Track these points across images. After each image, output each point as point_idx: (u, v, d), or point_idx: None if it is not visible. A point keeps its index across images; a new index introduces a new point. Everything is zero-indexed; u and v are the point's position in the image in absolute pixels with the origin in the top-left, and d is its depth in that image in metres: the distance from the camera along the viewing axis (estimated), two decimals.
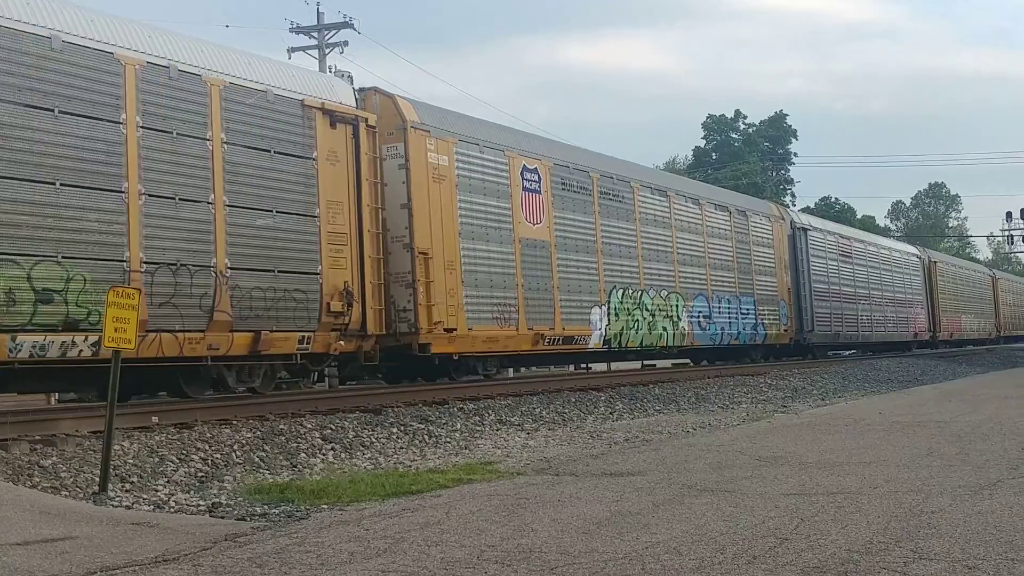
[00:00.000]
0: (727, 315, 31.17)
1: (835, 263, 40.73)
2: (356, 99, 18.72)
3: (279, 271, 16.23)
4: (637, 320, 26.16)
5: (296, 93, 17.02)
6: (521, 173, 22.47)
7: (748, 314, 32.62)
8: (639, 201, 27.20)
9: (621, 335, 25.42)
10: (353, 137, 17.94)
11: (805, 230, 38.30)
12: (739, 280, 32.33)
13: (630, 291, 26.02)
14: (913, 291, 50.61)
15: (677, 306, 28.16)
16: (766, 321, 33.89)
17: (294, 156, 16.78)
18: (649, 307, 26.77)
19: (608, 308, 24.95)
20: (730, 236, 32.29)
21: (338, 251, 17.31)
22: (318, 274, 16.92)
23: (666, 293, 27.73)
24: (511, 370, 27.74)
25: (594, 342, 24.32)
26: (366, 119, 18.27)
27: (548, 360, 27.43)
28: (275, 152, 16.42)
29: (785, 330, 35.50)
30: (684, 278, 28.92)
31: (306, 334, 16.64)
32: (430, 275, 19.24)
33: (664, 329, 27.46)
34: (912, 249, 54.99)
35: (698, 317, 29.38)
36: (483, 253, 21.00)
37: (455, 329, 19.76)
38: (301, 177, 16.88)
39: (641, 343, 26.41)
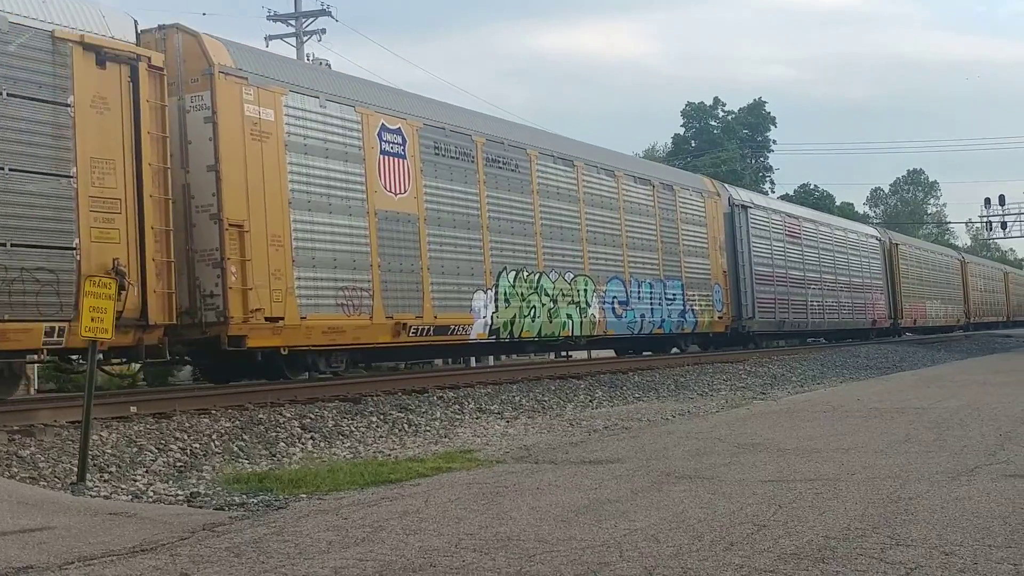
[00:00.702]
0: (648, 301, 28.01)
1: (781, 244, 37.45)
2: (137, 34, 15.17)
3: (13, 244, 12.94)
4: (534, 306, 22.98)
5: (44, 22, 13.67)
6: (379, 133, 19.14)
7: (675, 300, 29.42)
8: (538, 171, 23.90)
9: (513, 323, 22.24)
10: (131, 81, 14.53)
11: (745, 207, 35.00)
12: (664, 262, 29.12)
13: (525, 273, 22.83)
14: (872, 275, 47.56)
15: (586, 291, 25.07)
16: (696, 307, 30.69)
17: (38, 100, 13.44)
18: (550, 292, 23.62)
19: (496, 293, 21.79)
20: (653, 213, 28.86)
21: (107, 220, 14.02)
22: (74, 249, 13.56)
23: (572, 276, 24.60)
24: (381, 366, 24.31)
25: (477, 332, 21.20)
26: (148, 58, 14.82)
27: (418, 354, 23.35)
28: (7, 94, 13.10)
29: (720, 317, 32.20)
30: (595, 259, 25.73)
31: (56, 324, 13.19)
32: (246, 252, 16.02)
33: (569, 317, 24.29)
34: (871, 230, 51.93)
35: (612, 303, 26.26)
36: (324, 227, 17.68)
37: (282, 318, 16.49)
38: (49, 127, 13.53)
39: (539, 333, 23.30)
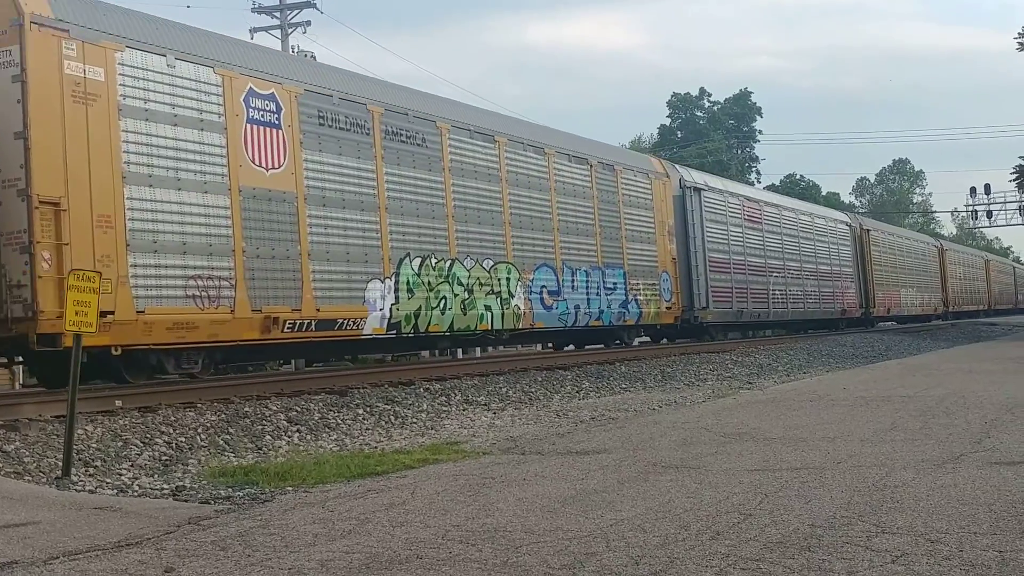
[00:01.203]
0: (584, 290, 25.70)
1: (739, 230, 35.20)
2: None
3: None
4: (444, 297, 20.56)
5: None
6: (246, 99, 16.71)
7: (615, 289, 27.11)
8: (451, 146, 21.35)
9: (418, 317, 19.83)
10: None
11: (698, 190, 32.51)
12: (603, 248, 26.77)
13: (433, 260, 20.35)
14: (841, 262, 45.57)
15: (508, 280, 22.66)
16: (641, 297, 28.31)
17: None
18: (464, 281, 21.25)
19: (396, 282, 19.38)
20: (590, 195, 26.44)
21: None
22: None
23: (492, 264, 22.23)
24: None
25: (373, 326, 18.69)
26: None
27: (299, 351, 20.52)
28: None
29: (668, 307, 29.85)
30: (520, 245, 23.34)
31: None
32: (62, 235, 13.72)
33: (488, 309, 21.88)
34: (840, 216, 49.73)
35: (541, 293, 23.84)
36: (170, 206, 15.28)
37: (111, 312, 13.98)
38: None
39: (451, 326, 20.90)
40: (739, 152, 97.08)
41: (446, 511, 7.14)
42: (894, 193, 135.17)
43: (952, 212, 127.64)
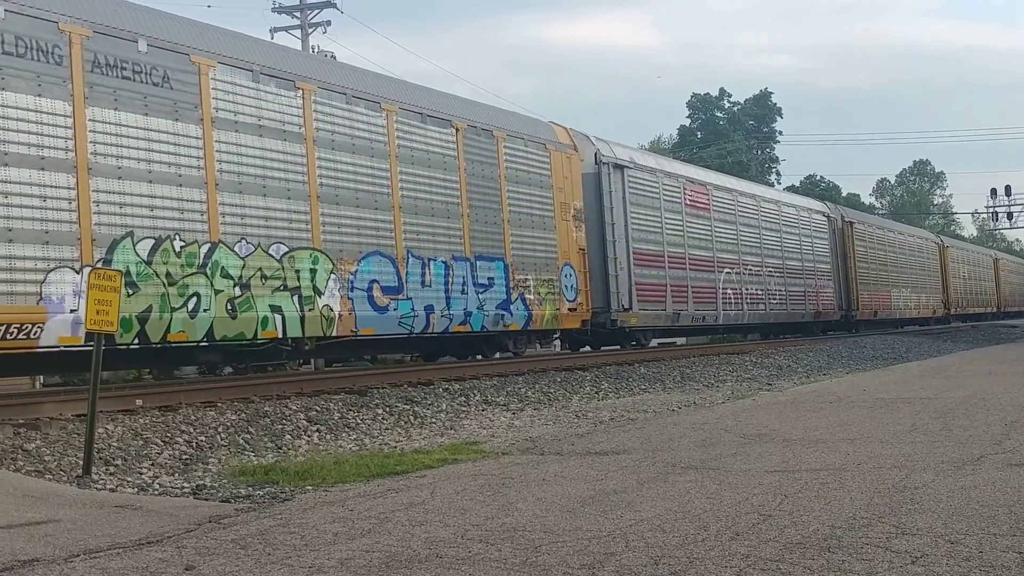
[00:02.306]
0: (442, 287, 20.36)
1: (678, 216, 30.02)
2: None
3: None
4: (196, 294, 15.48)
5: None
6: None
7: (492, 285, 21.76)
8: (217, 90, 16.22)
9: (146, 321, 14.69)
10: None
11: (620, 167, 27.05)
12: (475, 234, 21.46)
13: (177, 244, 15.29)
14: (816, 258, 40.39)
15: (313, 271, 17.39)
16: (531, 296, 23.02)
17: None
18: (234, 272, 16.11)
19: None
20: (455, 166, 21.09)
21: None
22: None
23: (286, 251, 16.97)
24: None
25: (57, 334, 13.57)
26: None
27: None
28: None
29: (573, 308, 24.48)
30: (337, 226, 18.05)
31: None
32: None
33: (275, 310, 16.70)
34: (817, 205, 44.03)
35: (370, 290, 18.52)
36: None
37: None
38: None
39: (210, 334, 15.68)
40: (759, 153, 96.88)
41: (465, 511, 7.15)
42: (914, 194, 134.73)
43: (973, 214, 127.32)
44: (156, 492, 9.36)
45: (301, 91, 17.62)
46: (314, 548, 6.15)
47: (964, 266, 64.10)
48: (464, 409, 15.90)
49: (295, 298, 17.01)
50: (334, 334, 17.85)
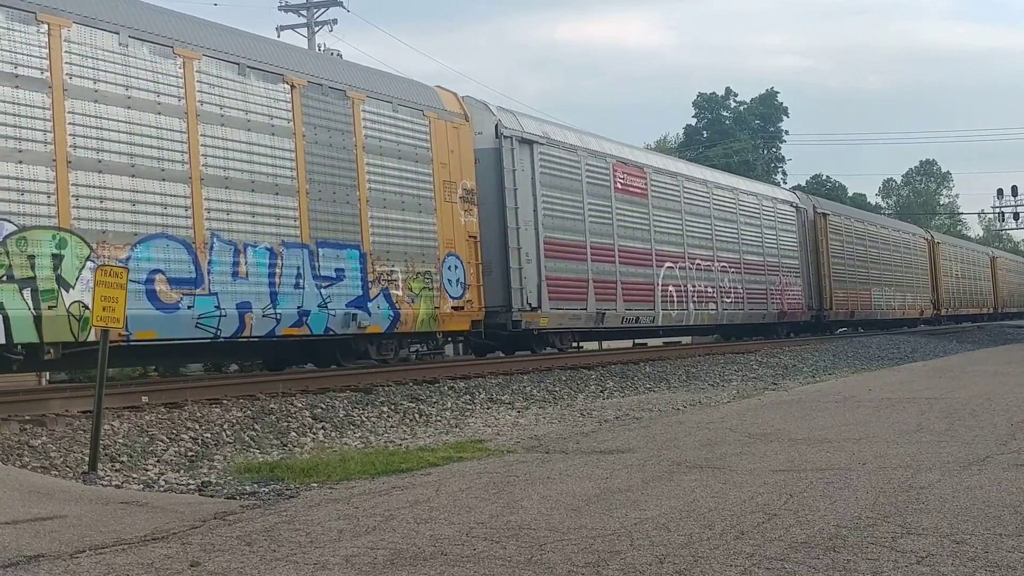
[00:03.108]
0: (265, 279, 16.61)
1: (605, 202, 26.12)
2: None
3: None
4: None
5: None
6: None
7: (342, 278, 18.05)
8: None
9: None
10: None
11: (527, 142, 23.19)
12: (318, 216, 17.64)
13: None
14: (781, 252, 36.57)
15: (57, 258, 13.65)
16: (399, 292, 19.25)
17: None
18: None
19: None
20: (288, 131, 17.28)
21: None
22: None
23: (11, 228, 13.21)
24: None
25: None
26: None
27: None
28: None
29: (459, 307, 20.70)
30: (96, 199, 14.22)
31: None
32: None
33: None
34: (784, 194, 39.88)
35: (149, 282, 14.83)
36: None
37: None
38: None
39: None
40: (765, 152, 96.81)
41: (470, 508, 7.15)
42: (920, 194, 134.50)
43: (979, 214, 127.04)
44: (162, 489, 9.37)
45: (47, 25, 13.89)
46: (319, 545, 6.15)
47: (957, 264, 60.32)
48: (469, 407, 15.91)
49: (26, 292, 13.30)
50: (93, 339, 13.43)
